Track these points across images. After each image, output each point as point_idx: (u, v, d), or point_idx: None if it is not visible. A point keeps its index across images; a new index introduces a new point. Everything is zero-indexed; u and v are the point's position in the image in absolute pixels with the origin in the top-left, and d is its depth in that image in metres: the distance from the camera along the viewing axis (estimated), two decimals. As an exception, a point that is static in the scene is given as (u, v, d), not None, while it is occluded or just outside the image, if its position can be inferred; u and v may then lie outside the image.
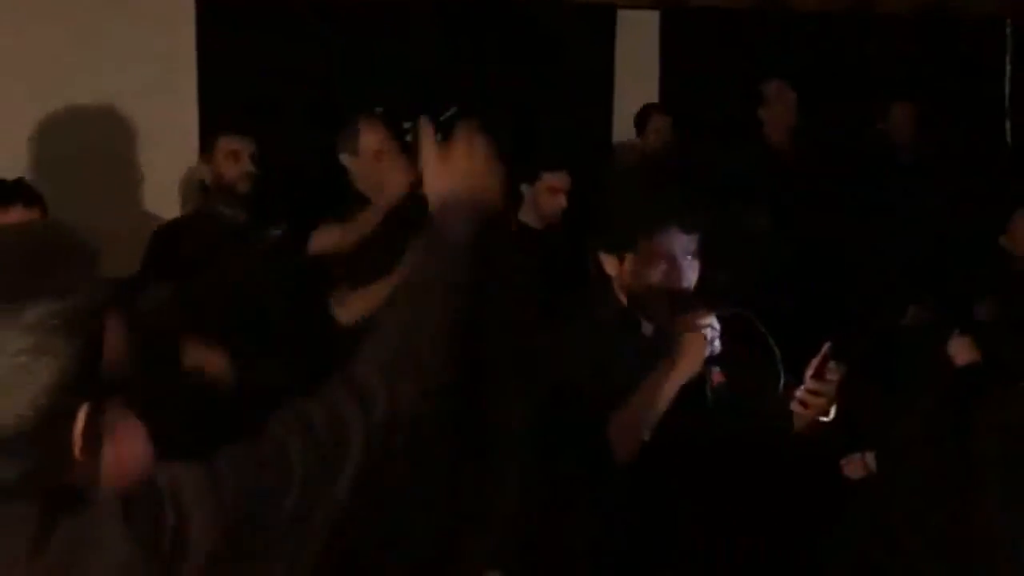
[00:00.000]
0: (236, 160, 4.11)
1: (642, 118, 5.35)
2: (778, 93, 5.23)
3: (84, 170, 4.35)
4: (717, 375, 2.66)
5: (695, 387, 2.66)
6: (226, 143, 4.14)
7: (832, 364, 2.67)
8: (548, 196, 4.73)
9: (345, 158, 4.10)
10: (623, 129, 5.47)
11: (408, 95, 4.89)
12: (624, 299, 2.74)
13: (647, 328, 2.74)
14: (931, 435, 3.58)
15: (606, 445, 2.61)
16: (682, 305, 2.64)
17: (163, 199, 4.42)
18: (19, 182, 3.66)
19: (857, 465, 3.86)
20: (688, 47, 5.71)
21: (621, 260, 2.75)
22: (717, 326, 2.62)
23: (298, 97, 4.92)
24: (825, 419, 2.69)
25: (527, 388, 3.12)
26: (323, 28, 4.98)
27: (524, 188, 4.76)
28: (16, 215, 3.54)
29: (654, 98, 5.56)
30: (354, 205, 4.13)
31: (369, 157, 4.06)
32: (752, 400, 2.73)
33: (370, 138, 4.07)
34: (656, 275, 2.69)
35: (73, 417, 1.20)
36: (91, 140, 4.42)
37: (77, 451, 1.21)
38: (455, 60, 5.24)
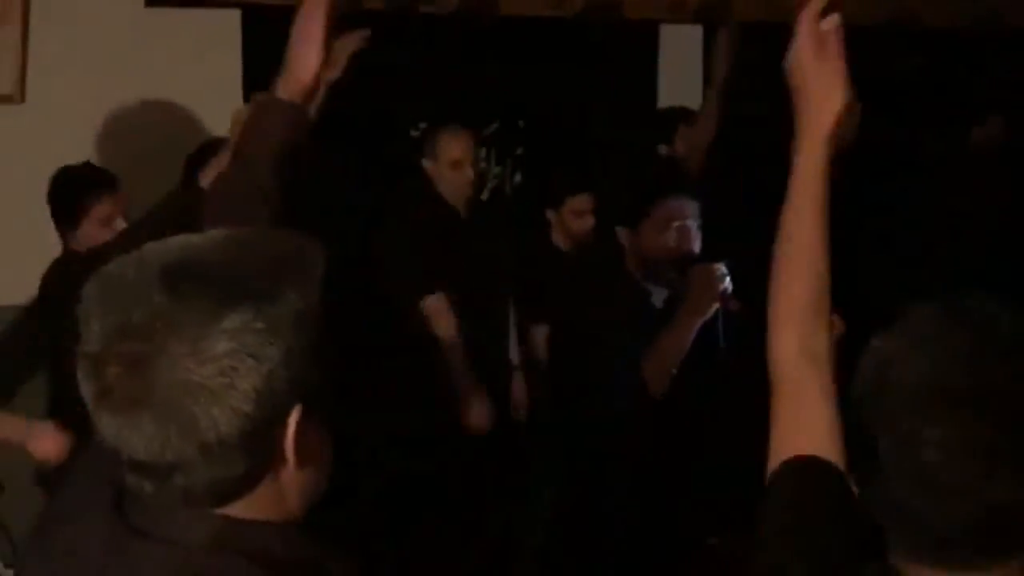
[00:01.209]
0: None
1: (667, 124, 5.26)
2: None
3: (124, 186, 4.37)
4: (733, 303, 2.97)
5: (709, 328, 3.00)
6: (217, 163, 4.12)
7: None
8: (574, 219, 4.72)
9: (425, 162, 4.24)
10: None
11: (454, 111, 4.90)
12: (635, 271, 3.01)
13: (657, 299, 3.01)
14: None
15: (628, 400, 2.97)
16: (692, 264, 3.00)
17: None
18: (94, 168, 3.75)
19: None
20: (732, 61, 5.68)
21: (635, 230, 3.03)
22: (726, 270, 2.95)
23: (347, 113, 4.93)
24: None
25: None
26: (372, 43, 4.99)
27: (550, 214, 4.76)
28: (108, 202, 3.64)
29: (698, 112, 5.54)
30: (429, 206, 4.23)
31: (446, 164, 4.21)
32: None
33: (450, 146, 4.22)
34: (669, 238, 3.03)
35: (284, 424, 1.19)
36: (137, 160, 4.44)
37: (291, 459, 1.20)
38: (498, 77, 5.24)
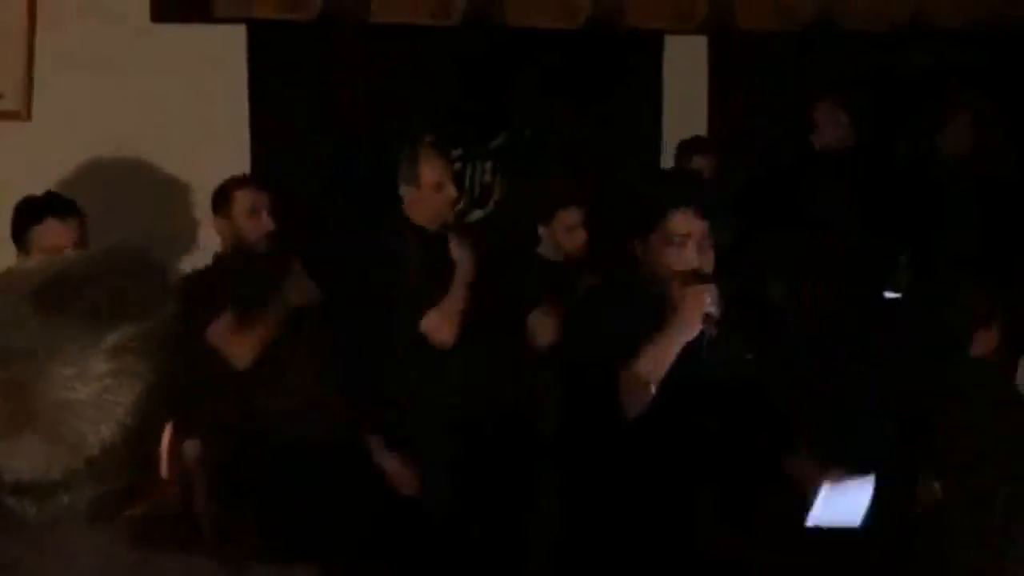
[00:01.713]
0: (256, 216, 4.09)
1: (683, 154, 5.27)
2: (827, 114, 5.23)
3: (130, 203, 4.38)
4: (712, 328, 2.91)
5: (694, 346, 2.93)
6: (245, 197, 4.12)
7: None
8: (566, 234, 4.70)
9: (404, 189, 4.15)
10: (672, 155, 5.44)
11: (458, 124, 4.92)
12: (648, 279, 3.02)
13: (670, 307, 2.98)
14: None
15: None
16: (691, 280, 2.93)
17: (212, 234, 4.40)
18: (50, 194, 3.68)
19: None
20: (737, 71, 5.69)
21: (644, 241, 3.00)
22: (716, 292, 2.88)
23: (355, 125, 4.96)
24: None
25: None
26: (373, 58, 5.00)
27: (541, 229, 4.74)
28: (54, 228, 3.55)
29: (703, 122, 5.55)
30: (402, 235, 4.17)
31: (430, 188, 4.14)
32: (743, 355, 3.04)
33: (431, 170, 4.15)
34: (671, 254, 2.96)
35: (158, 435, 1.24)
36: (143, 176, 4.45)
37: (163, 469, 1.25)
38: (503, 88, 5.25)
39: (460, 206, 4.87)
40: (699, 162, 5.17)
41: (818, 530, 3.16)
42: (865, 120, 5.41)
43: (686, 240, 2.97)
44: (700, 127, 5.54)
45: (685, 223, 2.97)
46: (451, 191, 4.21)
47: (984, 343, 3.91)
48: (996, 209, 5.19)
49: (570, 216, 4.71)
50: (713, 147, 5.29)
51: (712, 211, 3.00)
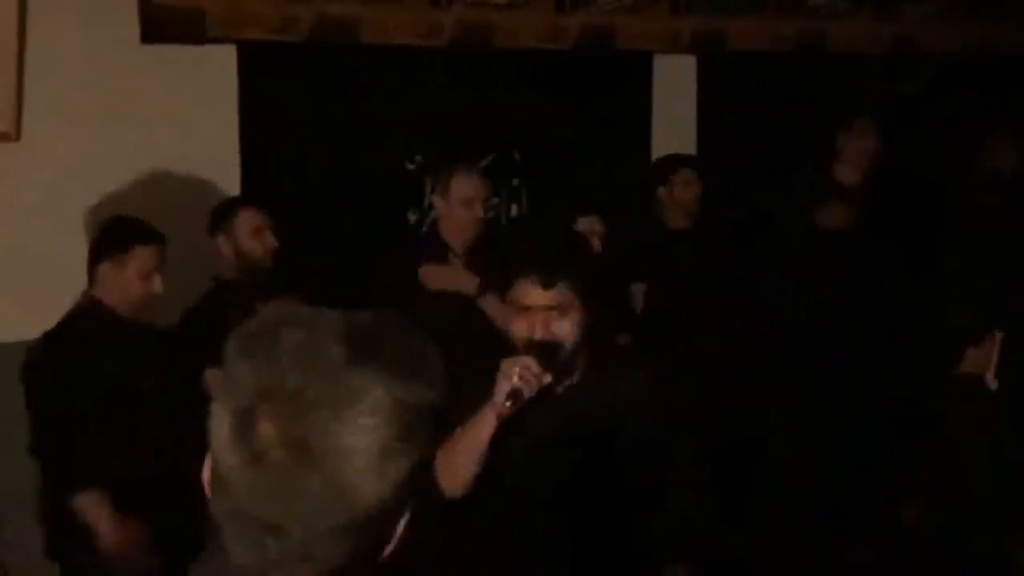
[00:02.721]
0: (260, 236, 4.12)
1: (666, 169, 5.20)
2: (865, 131, 5.12)
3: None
4: (504, 409, 2.66)
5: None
6: (248, 218, 4.15)
7: None
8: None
9: (436, 200, 4.25)
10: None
11: (447, 143, 4.93)
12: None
13: None
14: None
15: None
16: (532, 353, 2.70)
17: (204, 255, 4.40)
18: (139, 221, 3.77)
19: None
20: (726, 91, 5.71)
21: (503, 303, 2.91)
22: (534, 371, 2.64)
23: (339, 149, 4.97)
24: None
25: None
26: (363, 78, 5.01)
27: None
28: (154, 252, 3.65)
29: (692, 142, 5.56)
30: (432, 249, 4.22)
31: (458, 203, 4.19)
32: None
33: (464, 185, 4.20)
34: (511, 323, 2.81)
35: (399, 519, 1.19)
36: (133, 196, 4.45)
37: (395, 538, 1.20)
38: (492, 108, 5.26)
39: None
40: (685, 174, 5.13)
41: None
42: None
43: (527, 310, 2.78)
44: (689, 147, 5.55)
45: (526, 294, 2.79)
46: (479, 210, 4.25)
47: (973, 361, 3.91)
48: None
49: (587, 223, 4.73)
50: (692, 163, 5.25)
51: (561, 278, 2.78)
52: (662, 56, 5.61)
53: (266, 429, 1.11)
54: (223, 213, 4.19)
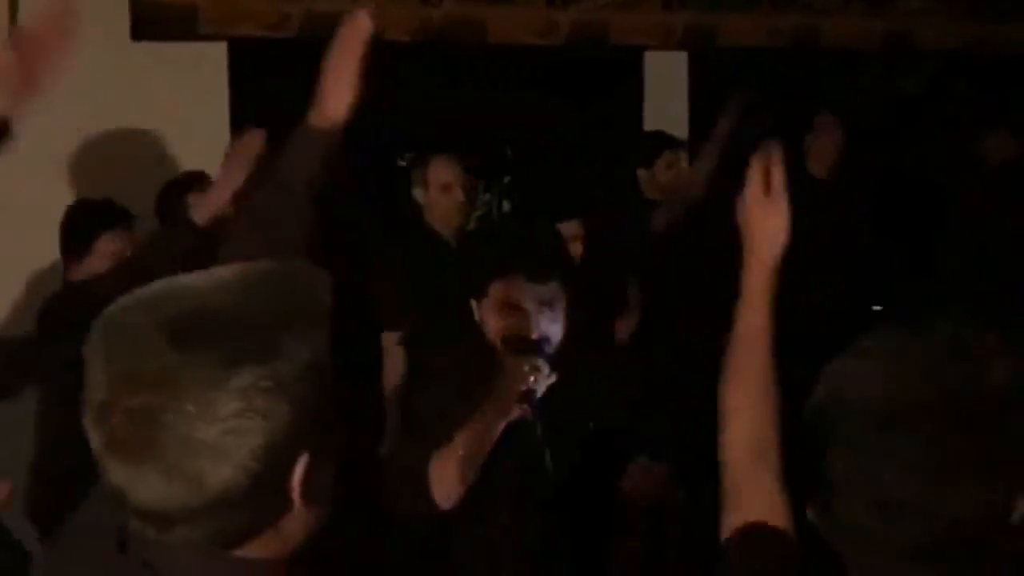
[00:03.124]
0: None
1: (648, 152, 5.15)
2: (826, 126, 5.31)
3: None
4: (528, 411, 2.52)
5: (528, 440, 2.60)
6: (194, 200, 4.07)
7: None
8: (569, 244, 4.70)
9: (418, 193, 4.25)
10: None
11: (437, 138, 4.92)
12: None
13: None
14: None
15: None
16: (522, 352, 2.58)
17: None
18: (110, 202, 3.71)
19: None
20: (717, 87, 5.71)
21: (479, 304, 2.74)
22: (544, 371, 2.50)
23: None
24: None
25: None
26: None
27: None
28: (121, 237, 3.61)
29: (684, 138, 5.56)
30: (421, 241, 4.22)
31: (437, 189, 4.19)
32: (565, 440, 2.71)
33: (439, 171, 4.20)
34: (499, 322, 2.68)
35: (289, 473, 1.19)
36: (124, 192, 4.43)
37: (297, 500, 1.21)
38: (483, 105, 5.26)
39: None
40: (669, 160, 5.10)
41: None
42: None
43: (517, 308, 2.68)
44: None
45: (516, 291, 2.68)
46: (458, 194, 4.24)
47: None
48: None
49: (567, 228, 4.72)
50: (675, 145, 5.22)
51: (550, 274, 2.69)
52: (654, 52, 5.62)
53: (115, 421, 1.15)
54: (171, 199, 4.05)
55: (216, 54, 4.69)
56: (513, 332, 2.66)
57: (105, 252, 3.63)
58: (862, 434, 1.34)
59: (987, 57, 6.02)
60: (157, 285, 1.23)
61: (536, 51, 5.30)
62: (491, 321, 2.72)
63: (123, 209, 3.72)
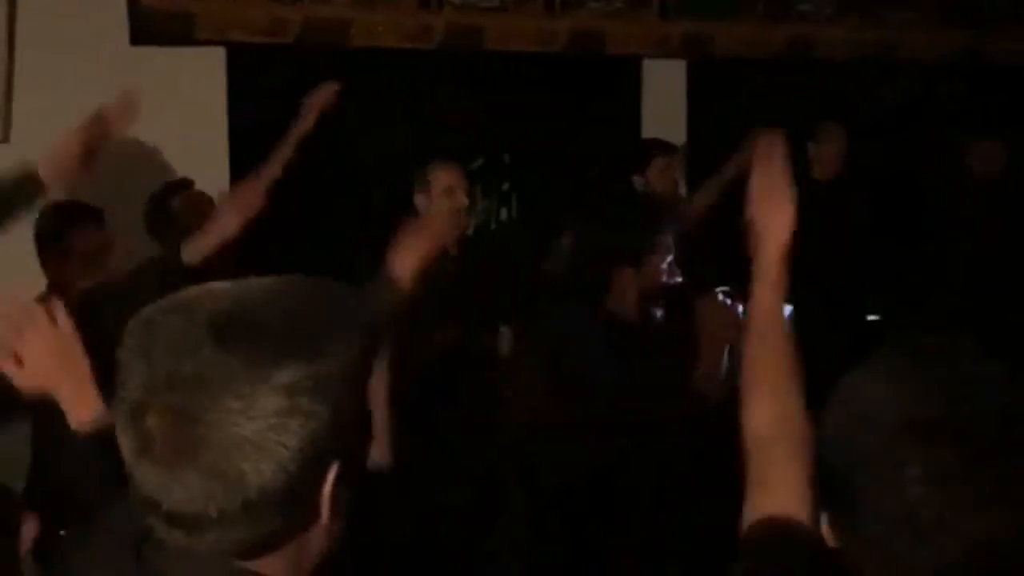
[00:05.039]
0: (201, 216, 3.96)
1: (640, 159, 5.13)
2: (831, 135, 5.35)
3: (113, 217, 4.37)
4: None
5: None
6: (185, 199, 4.11)
7: None
8: None
9: (419, 199, 4.24)
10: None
11: (437, 147, 4.93)
12: (630, 306, 3.26)
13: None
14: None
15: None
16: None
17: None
18: (81, 203, 3.72)
19: None
20: (715, 96, 5.73)
21: (638, 267, 3.25)
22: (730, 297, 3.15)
23: (328, 151, 4.97)
24: None
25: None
26: (352, 81, 5.01)
27: None
28: (98, 234, 3.62)
29: (681, 146, 5.58)
30: None
31: (439, 193, 4.19)
32: None
33: (442, 175, 4.19)
34: (666, 272, 3.29)
35: (322, 481, 1.18)
36: (123, 198, 4.44)
37: (325, 514, 1.20)
38: (482, 112, 5.27)
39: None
40: (660, 165, 5.09)
41: None
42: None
43: (671, 259, 3.31)
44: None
45: (668, 244, 3.30)
46: (462, 198, 4.24)
47: None
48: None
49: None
50: (667, 150, 5.23)
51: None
52: (652, 60, 5.63)
53: (152, 422, 1.13)
54: (162, 206, 4.12)
55: (214, 59, 4.70)
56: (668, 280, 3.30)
57: (81, 250, 3.65)
58: (887, 451, 1.30)
59: (978, 66, 6.04)
60: (194, 289, 1.21)
61: (534, 59, 5.31)
62: (654, 275, 3.31)
63: (93, 207, 3.73)
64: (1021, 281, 5.23)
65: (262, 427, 1.12)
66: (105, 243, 3.73)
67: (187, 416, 1.12)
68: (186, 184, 4.24)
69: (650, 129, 5.62)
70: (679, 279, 3.27)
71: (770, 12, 5.73)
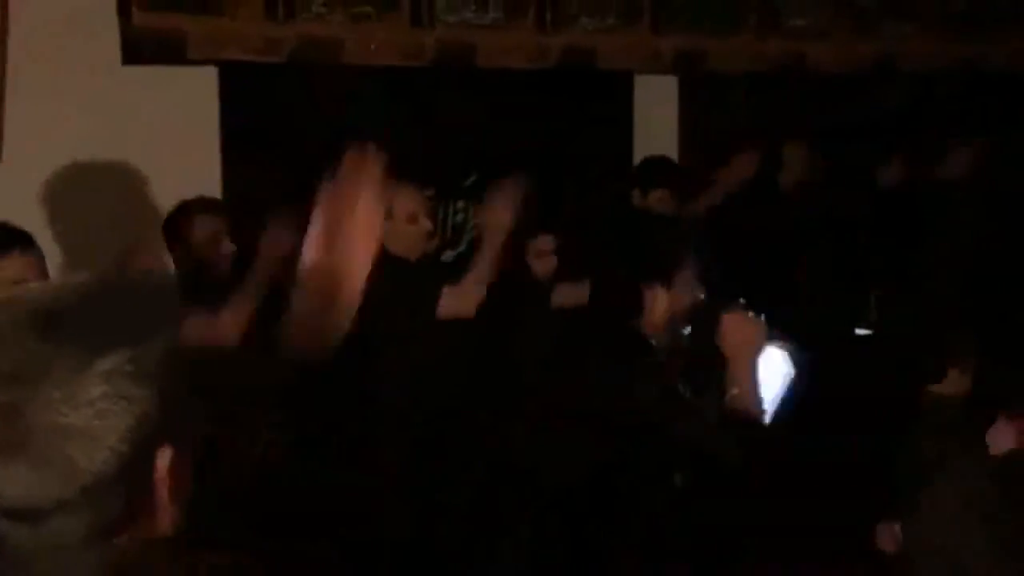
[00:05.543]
0: (216, 242, 4.03)
1: (649, 178, 5.20)
2: (794, 154, 5.38)
3: (105, 236, 4.37)
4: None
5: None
6: (203, 224, 4.08)
7: None
8: (537, 260, 4.74)
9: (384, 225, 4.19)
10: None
11: (429, 162, 4.93)
12: (655, 327, 3.21)
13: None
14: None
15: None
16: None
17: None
18: (9, 226, 3.55)
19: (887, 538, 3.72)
20: (707, 112, 5.73)
21: (668, 286, 3.23)
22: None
23: (321, 170, 4.96)
24: None
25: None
26: (345, 99, 5.02)
27: None
28: (20, 261, 3.47)
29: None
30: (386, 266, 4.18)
31: (403, 220, 4.14)
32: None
33: (405, 202, 4.14)
34: (692, 290, 3.27)
35: (154, 461, 1.22)
36: (113, 207, 4.44)
37: (164, 496, 1.22)
38: (473, 128, 5.27)
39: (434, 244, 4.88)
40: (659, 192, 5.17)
41: None
42: (836, 159, 5.50)
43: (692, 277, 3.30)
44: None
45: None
46: (426, 224, 4.20)
47: (955, 383, 3.90)
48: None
49: (541, 242, 4.76)
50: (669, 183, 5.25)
51: None
52: (643, 76, 5.64)
53: None
54: (178, 221, 4.10)
55: (206, 78, 4.69)
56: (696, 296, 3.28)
57: (7, 278, 3.46)
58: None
59: (972, 76, 6.06)
60: (14, 288, 1.28)
61: (526, 75, 5.31)
62: (683, 290, 3.30)
63: (21, 232, 3.56)
64: (1020, 284, 5.25)
65: (88, 414, 1.15)
66: (36, 271, 3.54)
67: (13, 410, 1.15)
68: (215, 204, 4.22)
69: (642, 145, 5.63)
70: (702, 295, 3.28)
71: (762, 26, 5.74)
